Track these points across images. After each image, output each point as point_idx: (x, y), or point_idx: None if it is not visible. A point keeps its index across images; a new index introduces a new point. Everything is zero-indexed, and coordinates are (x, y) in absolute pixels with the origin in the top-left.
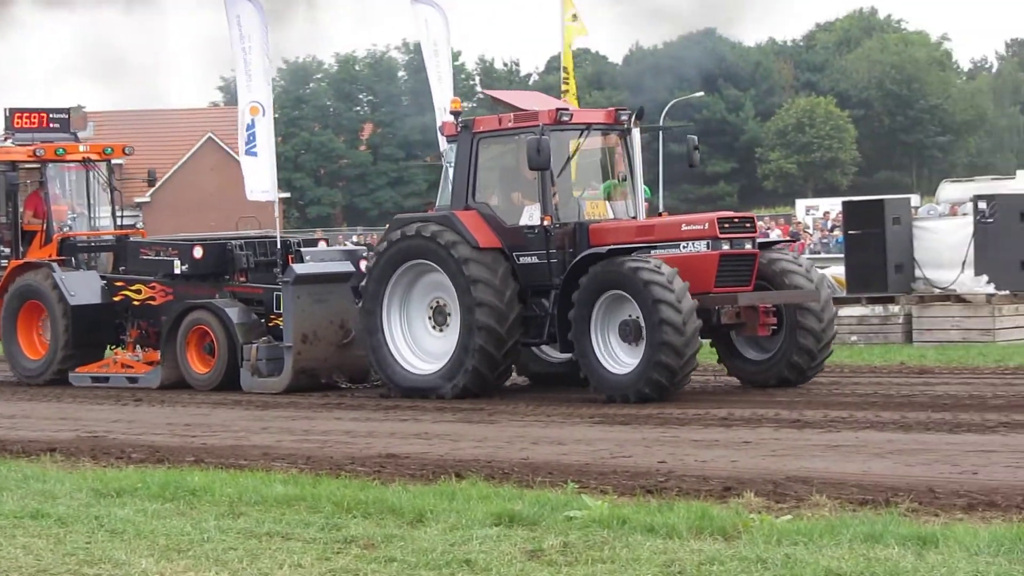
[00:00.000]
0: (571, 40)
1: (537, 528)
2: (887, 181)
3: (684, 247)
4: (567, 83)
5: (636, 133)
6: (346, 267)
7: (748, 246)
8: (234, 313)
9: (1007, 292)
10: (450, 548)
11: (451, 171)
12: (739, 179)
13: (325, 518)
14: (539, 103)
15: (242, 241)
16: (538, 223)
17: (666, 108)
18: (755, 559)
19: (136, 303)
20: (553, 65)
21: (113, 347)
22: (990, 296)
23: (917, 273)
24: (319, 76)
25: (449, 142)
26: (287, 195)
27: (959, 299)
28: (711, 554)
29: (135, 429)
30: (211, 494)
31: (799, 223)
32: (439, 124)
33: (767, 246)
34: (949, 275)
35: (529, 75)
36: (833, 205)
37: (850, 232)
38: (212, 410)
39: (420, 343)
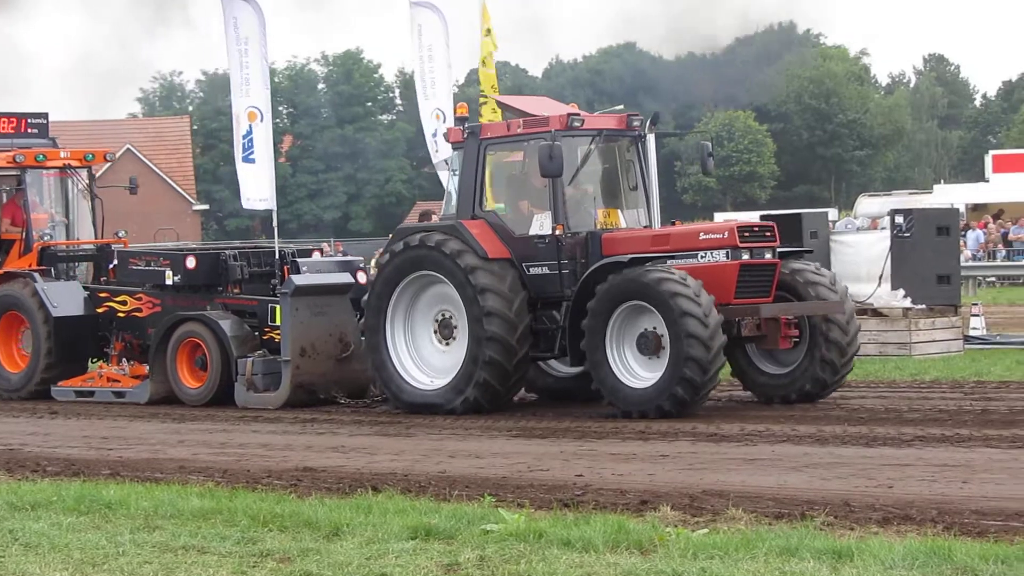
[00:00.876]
0: (485, 54)
1: (453, 542)
2: (805, 195)
3: (702, 257)
4: (485, 96)
5: (651, 139)
6: (345, 278)
7: (768, 256)
8: (228, 325)
9: (923, 306)
10: (366, 562)
11: (455, 179)
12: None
13: (241, 532)
14: (547, 108)
15: (236, 251)
16: (549, 232)
17: None
18: (671, 573)
19: (121, 315)
20: (472, 78)
21: (95, 361)
22: (907, 310)
23: None
24: None
25: (454, 149)
26: (206, 207)
27: (876, 313)
28: (627, 568)
29: (51, 442)
30: (126, 507)
31: None
32: (433, 132)
33: (787, 255)
34: (866, 289)
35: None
36: (751, 219)
37: None
38: (129, 423)
39: (426, 358)
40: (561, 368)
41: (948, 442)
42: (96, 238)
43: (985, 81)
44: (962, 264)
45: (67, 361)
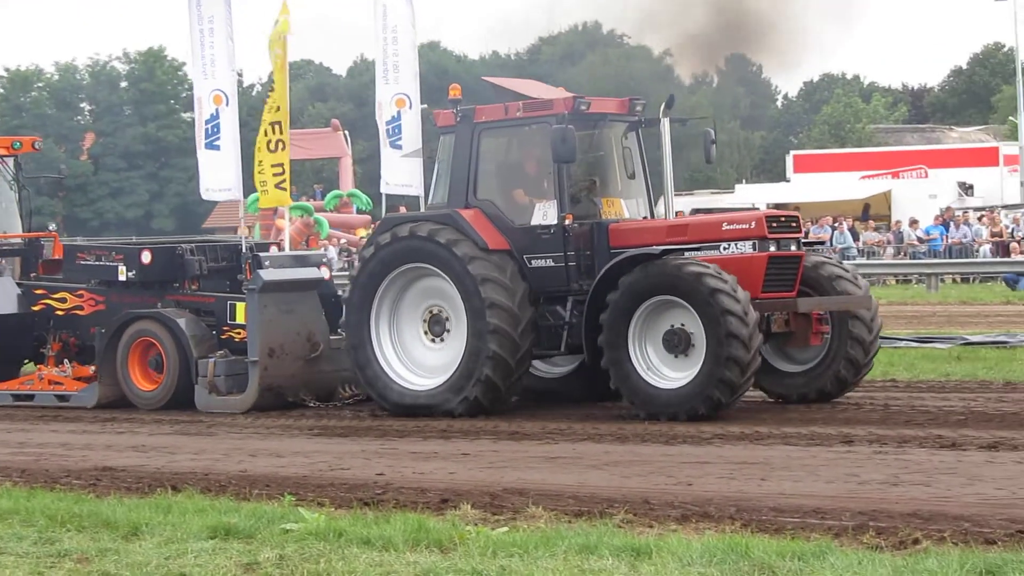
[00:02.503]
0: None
1: (253, 541)
2: None
3: (726, 248)
4: (272, 92)
5: (666, 124)
6: (313, 273)
7: (793, 247)
8: (186, 324)
9: None
10: (165, 562)
11: (439, 166)
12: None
13: (39, 532)
14: (540, 91)
15: (193, 245)
16: (554, 222)
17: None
18: (470, 571)
19: (60, 313)
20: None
21: (30, 362)
22: None
23: None
24: (40, 84)
25: (443, 133)
26: None
27: None
28: (427, 566)
29: None
30: None
31: None
32: (385, 117)
33: (808, 247)
34: None
35: (252, 86)
36: None
37: None
38: None
39: (414, 357)
40: (546, 368)
41: (747, 440)
42: (24, 231)
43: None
44: None
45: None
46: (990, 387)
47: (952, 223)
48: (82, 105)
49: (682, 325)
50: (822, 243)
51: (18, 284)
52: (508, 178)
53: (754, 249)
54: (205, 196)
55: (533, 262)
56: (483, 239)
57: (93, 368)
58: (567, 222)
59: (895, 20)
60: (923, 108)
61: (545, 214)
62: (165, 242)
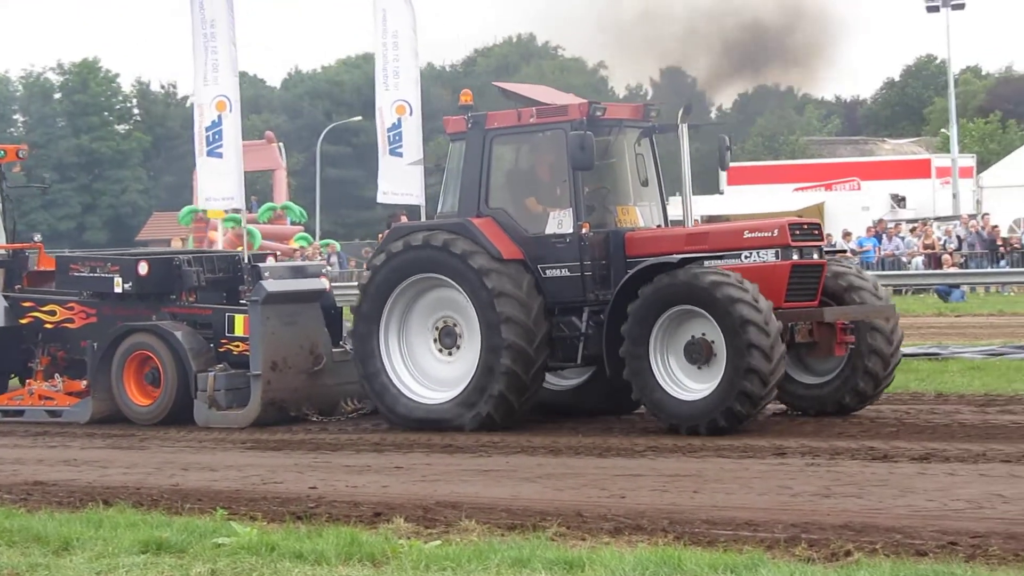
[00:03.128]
0: None
1: (185, 555)
2: None
3: (747, 257)
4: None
5: (684, 130)
6: (316, 284)
7: (816, 256)
8: (184, 337)
9: None
10: None
11: (448, 174)
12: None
13: None
14: (551, 97)
15: (190, 256)
16: (570, 231)
17: (323, 132)
18: None
19: (49, 326)
20: None
21: (15, 377)
22: None
23: None
24: None
25: (453, 140)
26: None
27: None
28: None
29: None
30: None
31: None
32: (386, 124)
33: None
34: None
35: (186, 97)
36: None
37: None
38: None
39: (423, 369)
40: (558, 381)
41: (680, 452)
42: (8, 242)
43: (721, 94)
44: None
45: None
46: (922, 399)
47: (885, 235)
48: (15, 117)
49: (703, 335)
50: (843, 252)
51: (4, 296)
52: (521, 186)
53: (777, 258)
54: (204, 205)
55: (548, 272)
56: (497, 249)
57: (85, 383)
58: (584, 231)
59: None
60: (856, 120)
61: (560, 223)
62: (161, 253)
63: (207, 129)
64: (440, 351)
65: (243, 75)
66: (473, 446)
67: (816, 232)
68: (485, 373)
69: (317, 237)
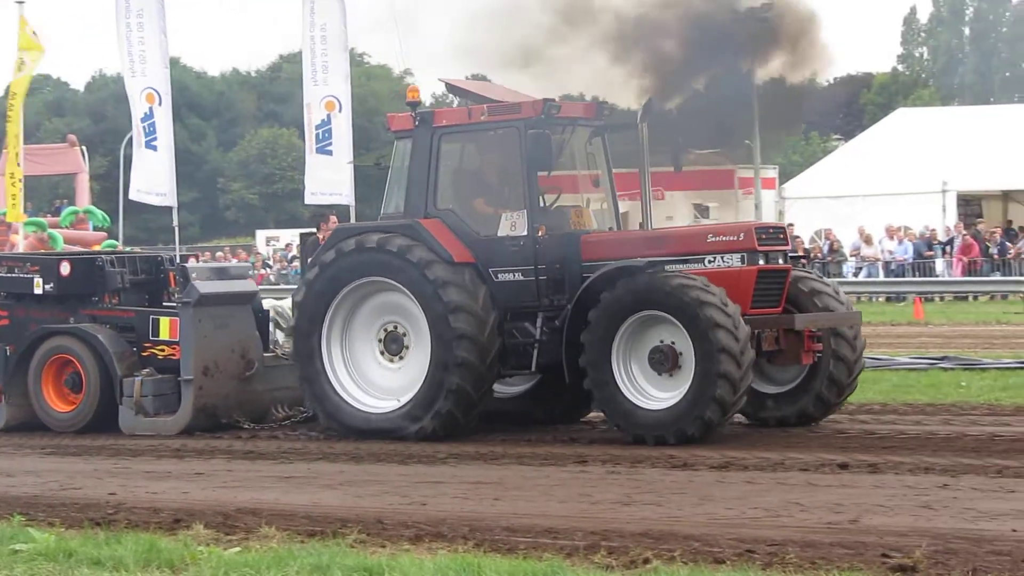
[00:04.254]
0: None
1: None
2: (344, 216)
3: (711, 261)
4: (12, 108)
5: (644, 129)
6: (247, 286)
7: (781, 261)
8: (108, 340)
9: None
10: None
11: (393, 173)
12: (201, 209)
13: None
14: (499, 94)
15: (112, 257)
16: (523, 233)
17: (127, 137)
18: None
19: None
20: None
21: None
22: None
23: None
24: None
25: (398, 138)
26: None
27: None
28: None
29: None
30: None
31: (259, 254)
32: (314, 121)
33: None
34: None
35: None
36: (293, 236)
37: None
38: None
39: (366, 375)
40: (503, 388)
41: (482, 460)
42: None
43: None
44: None
45: None
46: None
47: None
48: None
49: (671, 343)
50: (804, 256)
51: None
52: (471, 186)
53: (742, 262)
54: (135, 198)
55: (500, 276)
56: (448, 252)
57: None
58: (540, 235)
59: None
60: None
61: (513, 224)
62: (82, 254)
63: (142, 120)
64: (385, 358)
65: (47, 77)
66: (274, 452)
67: (782, 236)
68: (433, 387)
69: (121, 242)
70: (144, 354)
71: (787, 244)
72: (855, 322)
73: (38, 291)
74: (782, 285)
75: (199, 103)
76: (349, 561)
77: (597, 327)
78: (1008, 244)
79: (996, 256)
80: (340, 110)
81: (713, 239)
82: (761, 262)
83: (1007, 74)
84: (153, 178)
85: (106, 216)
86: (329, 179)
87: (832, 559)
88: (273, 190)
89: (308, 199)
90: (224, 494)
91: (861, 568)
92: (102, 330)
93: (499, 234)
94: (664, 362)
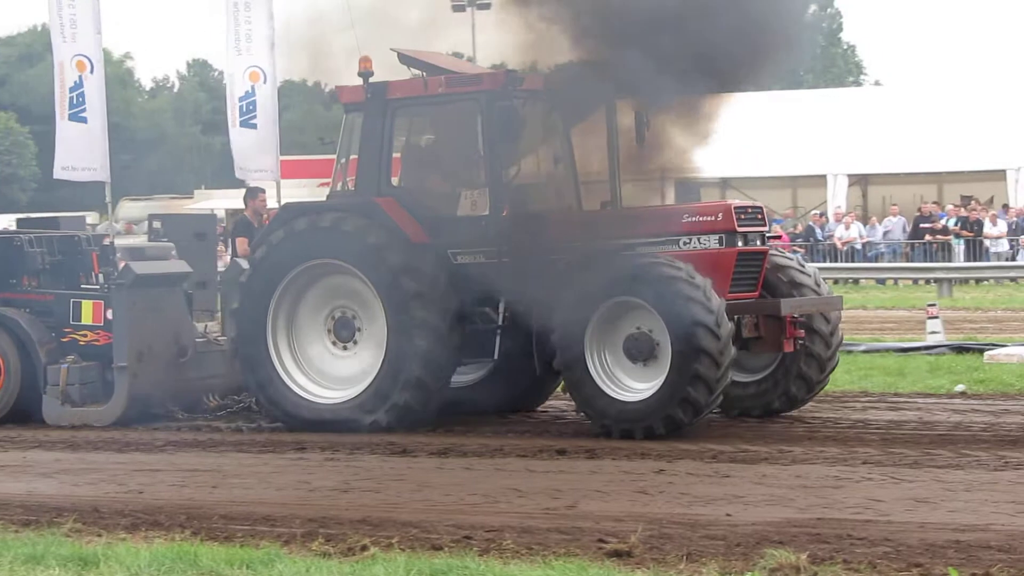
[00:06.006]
0: None
1: None
2: (69, 198)
3: (686, 243)
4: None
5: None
6: (180, 267)
7: (759, 242)
8: (30, 326)
9: None
10: None
11: (342, 149)
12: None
13: None
14: (452, 65)
15: (31, 236)
16: (485, 213)
17: None
18: None
19: None
20: None
21: None
22: None
23: None
24: None
25: (348, 111)
26: None
27: None
28: None
29: None
30: None
31: None
32: (244, 94)
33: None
34: None
35: None
36: (10, 222)
37: None
38: None
39: (315, 364)
40: (455, 377)
41: (200, 447)
42: None
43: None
44: None
45: None
46: None
47: None
48: None
49: (649, 331)
50: (778, 237)
51: None
52: (428, 163)
53: (721, 244)
54: (61, 176)
55: (459, 258)
56: (404, 232)
57: None
58: (505, 215)
59: None
60: None
61: (474, 203)
62: (2, 233)
63: (69, 90)
64: (335, 344)
65: None
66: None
67: (760, 216)
68: (389, 378)
69: None
70: (64, 340)
71: (764, 224)
72: (833, 307)
73: None
74: (760, 268)
75: None
76: (64, 551)
77: (568, 313)
78: None
79: None
80: (264, 81)
81: (689, 219)
82: (740, 244)
83: None
84: (83, 153)
85: None
86: (255, 156)
87: (549, 544)
88: None
89: (238, 175)
90: None
91: (577, 554)
92: (22, 315)
93: (459, 213)
94: (639, 351)
